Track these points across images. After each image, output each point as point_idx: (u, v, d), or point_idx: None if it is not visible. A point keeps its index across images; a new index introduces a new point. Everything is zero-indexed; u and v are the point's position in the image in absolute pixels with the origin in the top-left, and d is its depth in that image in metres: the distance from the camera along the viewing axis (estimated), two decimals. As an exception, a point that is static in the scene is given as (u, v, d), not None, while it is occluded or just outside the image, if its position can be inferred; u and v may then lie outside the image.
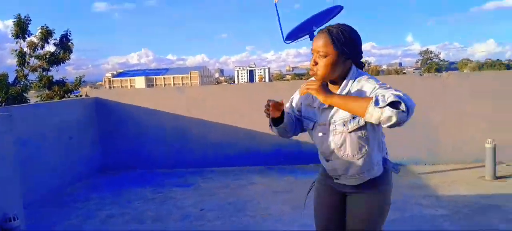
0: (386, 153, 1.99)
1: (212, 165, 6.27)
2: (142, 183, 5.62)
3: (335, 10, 5.72)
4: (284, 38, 6.44)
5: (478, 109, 5.84)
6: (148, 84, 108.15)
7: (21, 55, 14.87)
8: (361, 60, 1.90)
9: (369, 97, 1.65)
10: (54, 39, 15.51)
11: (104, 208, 4.60)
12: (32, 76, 15.38)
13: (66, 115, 5.85)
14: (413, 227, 3.64)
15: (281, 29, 6.54)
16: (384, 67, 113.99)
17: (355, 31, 1.84)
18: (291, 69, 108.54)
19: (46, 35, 15.14)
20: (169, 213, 4.35)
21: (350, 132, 1.80)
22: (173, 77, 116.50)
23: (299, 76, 75.89)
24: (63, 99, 13.47)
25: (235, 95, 6.66)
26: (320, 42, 1.78)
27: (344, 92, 1.80)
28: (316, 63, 1.80)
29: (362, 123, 1.76)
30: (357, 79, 1.80)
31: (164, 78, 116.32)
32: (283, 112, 1.90)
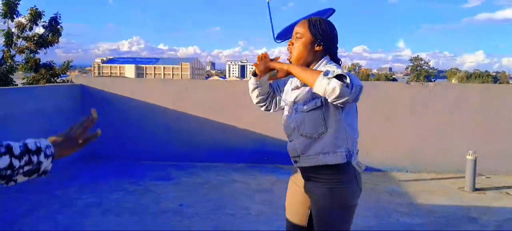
0: (356, 152, 2.04)
1: (195, 160, 6.24)
2: (123, 174, 5.56)
3: (327, 12, 5.73)
4: (275, 37, 6.46)
5: (462, 120, 5.90)
6: (138, 73, 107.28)
7: (9, 36, 14.61)
8: (338, 57, 2.03)
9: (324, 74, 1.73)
10: (43, 21, 15.29)
11: (82, 197, 4.54)
12: (19, 58, 15.14)
13: (48, 101, 5.73)
14: (389, 235, 3.67)
15: (272, 28, 6.52)
16: (375, 71, 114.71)
17: (332, 25, 2.00)
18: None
19: (35, 16, 14.91)
20: (147, 207, 4.31)
21: (309, 111, 1.92)
22: (164, 68, 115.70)
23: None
24: (48, 84, 13.28)
25: (221, 90, 6.63)
26: (299, 25, 1.99)
27: None
28: (292, 44, 2.00)
29: (318, 104, 1.89)
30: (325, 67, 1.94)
31: (154, 67, 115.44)
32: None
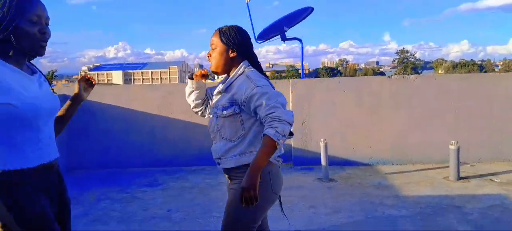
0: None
1: (182, 164, 6.23)
2: (110, 183, 5.52)
3: (306, 11, 5.79)
4: (256, 38, 6.45)
5: (445, 111, 5.99)
6: (126, 79, 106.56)
7: None
8: (258, 60, 2.15)
9: (269, 138, 1.82)
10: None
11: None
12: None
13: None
14: (376, 228, 3.71)
15: (253, 28, 6.53)
16: (362, 65, 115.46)
17: (243, 31, 2.12)
18: (271, 66, 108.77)
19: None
20: (134, 214, 4.30)
21: (228, 116, 2.02)
22: (152, 72, 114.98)
23: (279, 73, 76.15)
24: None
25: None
26: (213, 37, 2.10)
27: (227, 83, 2.08)
28: (210, 55, 2.12)
29: (237, 110, 2.00)
30: (243, 74, 2.06)
31: (142, 72, 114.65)
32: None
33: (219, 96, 2.11)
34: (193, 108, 2.35)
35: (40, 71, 1.72)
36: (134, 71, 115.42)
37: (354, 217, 3.98)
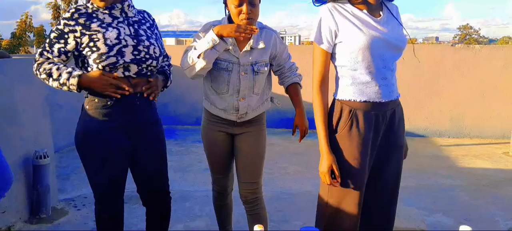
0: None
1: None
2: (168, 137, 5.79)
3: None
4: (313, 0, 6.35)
5: (509, 84, 5.65)
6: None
7: (56, 9, 15.18)
8: None
9: (300, 85, 2.19)
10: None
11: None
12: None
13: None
14: (427, 194, 3.66)
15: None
16: (420, 41, 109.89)
17: None
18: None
19: (80, -13, 15.35)
20: (190, 165, 4.52)
21: (265, 72, 2.09)
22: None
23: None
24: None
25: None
26: None
27: (263, 38, 2.04)
28: (252, 11, 1.90)
29: (269, 66, 2.11)
30: (264, 28, 2.08)
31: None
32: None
33: (252, 52, 2.01)
34: (197, 73, 1.96)
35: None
36: (186, 39, 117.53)
37: (406, 183, 3.94)
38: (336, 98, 1.69)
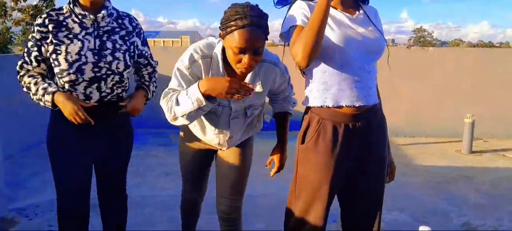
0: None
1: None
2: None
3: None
4: (275, 2, 6.38)
5: (461, 85, 5.93)
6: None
7: (1, 6, 14.38)
8: None
9: (288, 112, 1.98)
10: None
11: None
12: (18, 30, 14.99)
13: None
14: (384, 192, 3.74)
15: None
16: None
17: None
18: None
19: (28, -14, 14.64)
20: (152, 169, 4.40)
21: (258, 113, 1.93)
22: (164, 41, 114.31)
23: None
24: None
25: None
26: (257, 37, 1.52)
27: (261, 78, 1.73)
28: (254, 60, 1.55)
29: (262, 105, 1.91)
30: (264, 61, 1.71)
31: (154, 41, 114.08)
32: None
33: (246, 99, 1.70)
34: (185, 122, 1.66)
35: None
36: (148, 39, 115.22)
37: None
38: (306, 105, 1.63)
